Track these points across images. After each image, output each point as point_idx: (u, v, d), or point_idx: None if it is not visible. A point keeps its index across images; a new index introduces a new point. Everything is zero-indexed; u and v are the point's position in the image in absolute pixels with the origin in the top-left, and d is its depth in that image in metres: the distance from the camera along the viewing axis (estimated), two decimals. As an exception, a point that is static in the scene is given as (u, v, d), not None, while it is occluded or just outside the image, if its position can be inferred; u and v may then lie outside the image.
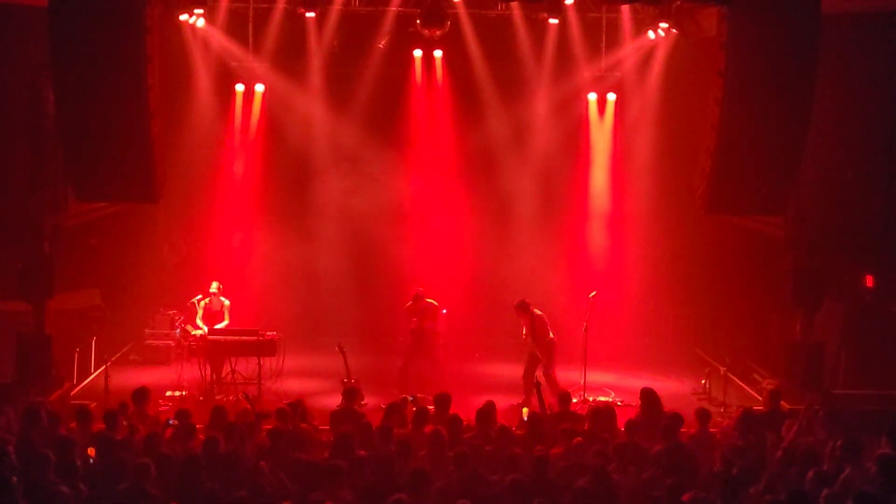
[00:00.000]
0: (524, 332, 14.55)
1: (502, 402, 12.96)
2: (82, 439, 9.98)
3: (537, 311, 14.52)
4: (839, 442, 9.45)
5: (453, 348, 16.18)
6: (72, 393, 14.08)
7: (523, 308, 14.51)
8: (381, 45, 16.68)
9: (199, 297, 14.85)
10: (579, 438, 9.96)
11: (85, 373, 14.95)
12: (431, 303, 15.12)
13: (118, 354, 15.96)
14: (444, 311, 15.71)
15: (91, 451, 9.46)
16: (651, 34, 16.05)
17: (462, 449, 9.48)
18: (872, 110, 14.92)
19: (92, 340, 15.32)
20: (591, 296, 14.97)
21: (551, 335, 14.51)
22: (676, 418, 10.70)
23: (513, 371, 14.95)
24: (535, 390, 12.72)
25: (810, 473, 8.87)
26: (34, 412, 10.24)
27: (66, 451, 8.97)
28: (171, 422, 10.75)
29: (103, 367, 14.20)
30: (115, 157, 13.04)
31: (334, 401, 12.44)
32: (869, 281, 15.13)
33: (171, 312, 16.08)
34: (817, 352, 14.75)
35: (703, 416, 10.87)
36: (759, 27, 12.93)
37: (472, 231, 17.72)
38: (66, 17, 12.40)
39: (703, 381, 14.91)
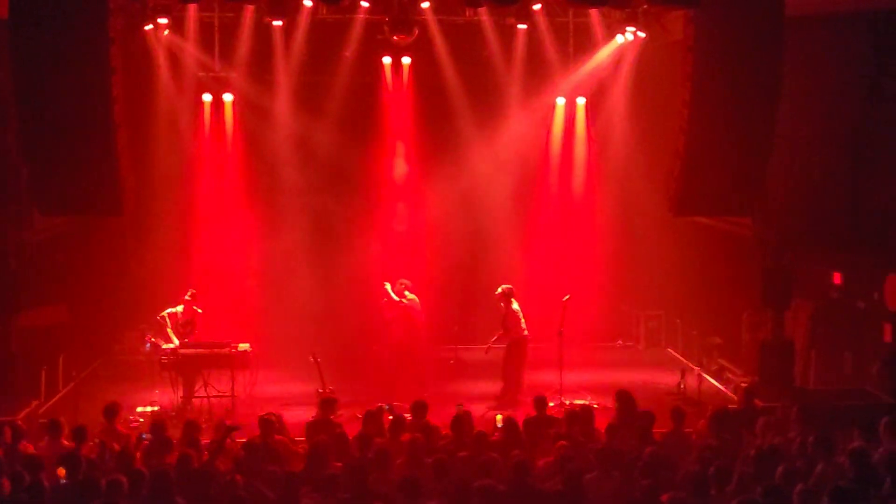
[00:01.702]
0: (505, 330, 14.82)
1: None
2: (52, 453, 9.84)
3: (514, 306, 14.70)
4: (811, 438, 9.53)
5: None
6: (40, 411, 13.87)
7: (506, 296, 14.77)
8: (346, 55, 16.62)
9: (169, 310, 14.68)
10: (563, 442, 9.97)
11: (53, 390, 14.75)
12: (413, 299, 15.24)
13: (87, 371, 15.76)
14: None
15: (61, 471, 9.29)
16: (619, 38, 16.11)
17: (440, 456, 9.46)
18: (837, 111, 15.06)
19: (60, 357, 15.12)
20: (564, 299, 15.01)
21: (525, 331, 14.64)
22: (649, 417, 10.75)
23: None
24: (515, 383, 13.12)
25: (780, 469, 8.92)
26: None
27: (33, 471, 8.84)
28: (144, 436, 10.62)
29: (72, 384, 14.02)
30: (80, 170, 12.88)
31: (310, 412, 12.36)
32: (836, 278, 15.26)
33: (142, 327, 15.89)
34: (788, 349, 14.90)
35: (678, 415, 10.91)
36: (725, 30, 13.03)
37: (443, 236, 17.74)
38: (28, 29, 12.25)
39: (679, 382, 14.93)
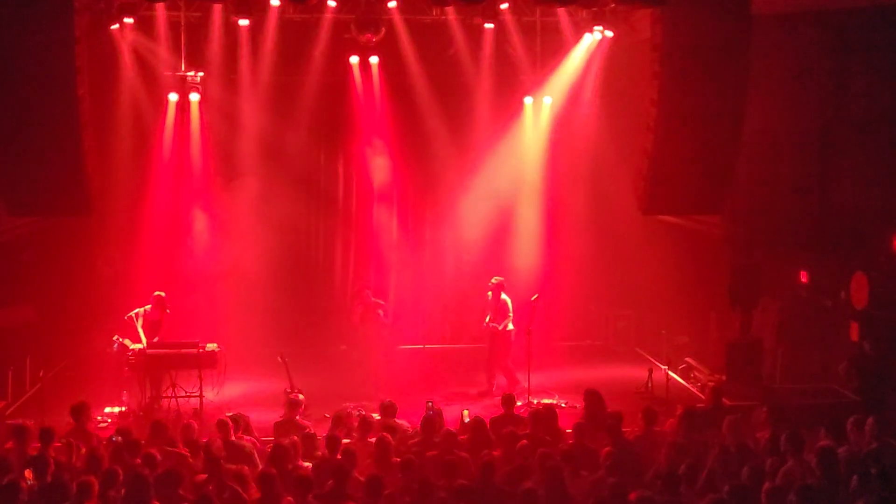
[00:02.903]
0: (487, 318, 15.04)
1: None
2: (20, 459, 9.75)
3: (504, 297, 15.05)
4: (782, 436, 9.59)
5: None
6: (7, 412, 13.74)
7: (499, 287, 15.04)
8: (316, 54, 16.55)
9: (137, 309, 14.57)
10: (524, 441, 9.99)
11: (21, 391, 14.60)
12: (379, 301, 15.36)
13: (54, 371, 15.62)
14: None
15: (28, 473, 9.20)
16: (587, 37, 16.14)
17: (409, 457, 9.47)
18: (805, 109, 15.13)
19: (27, 358, 14.97)
20: (532, 299, 15.07)
21: (511, 325, 14.92)
22: (617, 417, 10.79)
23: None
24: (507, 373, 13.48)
25: (745, 469, 8.99)
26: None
27: (2, 473, 8.76)
28: (114, 438, 10.53)
29: (39, 385, 13.89)
30: (46, 170, 12.80)
31: (277, 412, 12.33)
32: (803, 277, 15.37)
33: (108, 327, 15.74)
34: (756, 348, 14.97)
35: (650, 415, 10.93)
36: (692, 29, 13.11)
37: (411, 236, 17.78)
38: (-8, 28, 12.14)
39: (647, 382, 14.99)
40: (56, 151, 12.69)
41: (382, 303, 15.66)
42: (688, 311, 16.95)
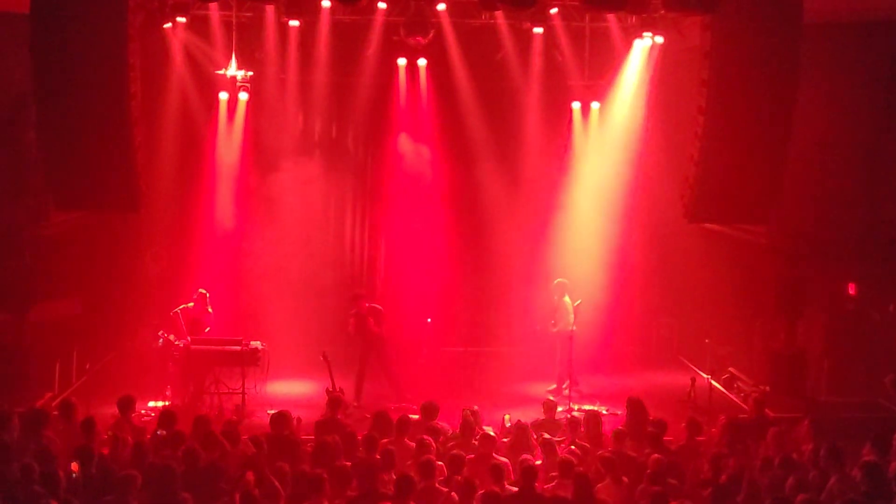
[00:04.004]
0: (552, 322, 15.31)
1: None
2: (66, 437, 9.91)
3: (566, 300, 15.30)
4: (822, 449, 9.49)
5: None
6: (53, 404, 13.92)
7: (562, 288, 15.42)
8: (368, 54, 16.62)
9: (182, 305, 14.75)
10: (569, 447, 10.00)
11: (67, 383, 14.81)
12: (375, 307, 15.20)
13: (100, 364, 15.83)
14: (429, 320, 15.90)
15: (74, 465, 9.33)
16: (637, 43, 16.07)
17: (448, 458, 9.48)
18: (854, 119, 14.99)
19: (73, 350, 15.18)
20: (575, 304, 15.06)
21: (573, 326, 15.08)
22: (660, 425, 10.73)
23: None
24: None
25: (790, 481, 8.91)
26: (6, 419, 10.12)
27: (47, 462, 8.89)
28: (159, 432, 10.65)
29: (85, 377, 14.07)
30: (96, 165, 12.93)
31: (319, 411, 12.40)
32: (851, 289, 15.20)
33: (154, 322, 15.94)
34: (800, 360, 14.82)
35: (694, 426, 10.86)
36: (742, 36, 12.99)
37: (455, 241, 17.77)
38: (48, 26, 12.32)
39: (689, 391, 14.89)
40: (107, 147, 12.82)
41: (380, 308, 15.33)
42: (732, 320, 16.81)
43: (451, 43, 16.30)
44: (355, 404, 14.23)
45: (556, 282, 15.66)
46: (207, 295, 14.85)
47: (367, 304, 15.10)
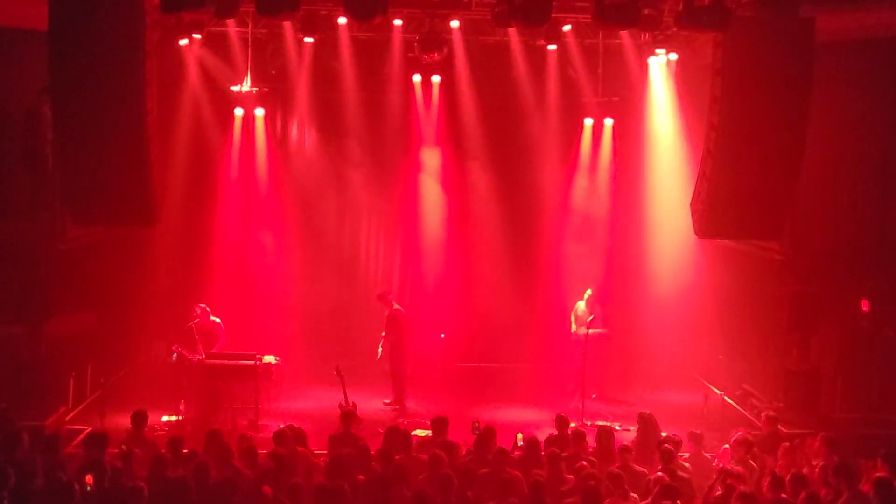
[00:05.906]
0: (586, 328, 15.33)
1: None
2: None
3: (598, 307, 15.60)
4: (830, 467, 9.48)
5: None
6: (67, 417, 14.02)
7: (592, 299, 15.83)
8: (385, 71, 16.72)
9: (196, 320, 14.83)
10: (582, 463, 10.00)
11: (81, 397, 14.89)
12: (398, 309, 15.31)
13: (114, 378, 15.90)
14: (443, 335, 15.97)
15: (89, 478, 9.38)
16: (649, 60, 16.13)
17: (447, 471, 9.48)
18: (866, 135, 14.99)
19: (88, 364, 15.26)
20: (588, 320, 15.08)
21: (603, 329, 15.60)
22: (676, 442, 10.72)
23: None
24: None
25: (802, 495, 8.89)
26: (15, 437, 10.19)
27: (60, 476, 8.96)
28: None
29: (99, 391, 14.15)
30: (112, 181, 12.99)
31: (332, 426, 12.42)
32: (865, 306, 15.15)
33: (169, 337, 16.02)
34: (814, 377, 14.77)
35: (696, 439, 10.87)
36: (754, 53, 12.99)
37: (470, 260, 17.81)
38: (66, 41, 12.40)
39: (703, 407, 14.84)
40: (123, 163, 12.88)
41: (401, 309, 15.58)
42: (745, 336, 16.77)
43: (465, 60, 16.38)
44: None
45: (593, 292, 15.94)
46: (208, 308, 14.91)
47: (394, 306, 15.41)
